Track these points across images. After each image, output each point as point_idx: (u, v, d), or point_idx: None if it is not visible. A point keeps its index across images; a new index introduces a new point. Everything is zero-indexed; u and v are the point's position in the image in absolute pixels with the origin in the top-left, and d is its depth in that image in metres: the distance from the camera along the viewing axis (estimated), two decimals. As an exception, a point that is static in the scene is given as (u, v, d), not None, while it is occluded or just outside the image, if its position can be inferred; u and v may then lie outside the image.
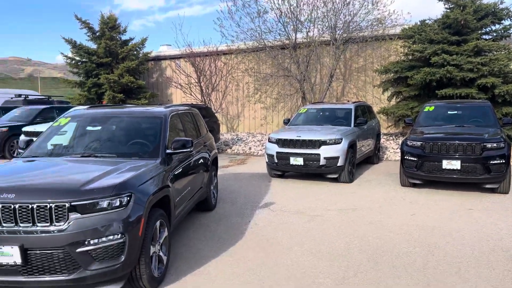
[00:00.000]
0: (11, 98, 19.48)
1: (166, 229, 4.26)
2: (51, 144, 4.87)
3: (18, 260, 3.28)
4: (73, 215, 3.36)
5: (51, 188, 3.50)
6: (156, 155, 4.63)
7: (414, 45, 13.26)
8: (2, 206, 3.34)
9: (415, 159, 7.84)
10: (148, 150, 4.78)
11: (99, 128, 5.13)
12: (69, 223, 3.34)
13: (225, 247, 5.10)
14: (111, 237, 3.42)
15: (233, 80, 18.68)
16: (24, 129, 12.40)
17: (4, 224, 3.34)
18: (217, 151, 7.37)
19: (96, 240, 3.36)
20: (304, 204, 7.15)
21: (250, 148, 14.70)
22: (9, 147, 13.26)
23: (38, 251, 3.30)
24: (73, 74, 20.62)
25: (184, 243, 5.24)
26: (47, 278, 3.33)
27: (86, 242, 3.33)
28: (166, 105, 5.80)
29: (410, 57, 13.79)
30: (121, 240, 3.46)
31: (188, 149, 4.86)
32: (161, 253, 4.15)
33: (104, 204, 3.45)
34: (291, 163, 8.78)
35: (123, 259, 3.48)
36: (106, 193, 3.49)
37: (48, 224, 3.33)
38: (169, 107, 5.62)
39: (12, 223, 3.34)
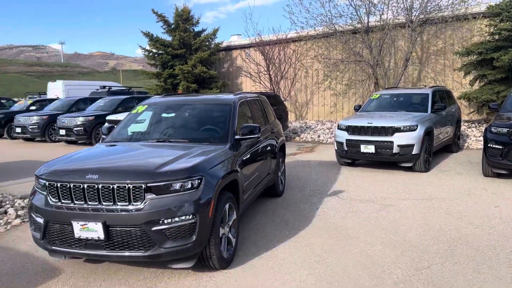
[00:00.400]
0: (97, 89, 21.09)
1: (234, 212, 4.35)
2: (130, 131, 5.18)
3: (102, 236, 3.54)
4: (149, 196, 3.55)
5: (130, 170, 3.73)
6: (225, 141, 4.73)
7: (502, 24, 12.17)
8: (88, 186, 3.62)
9: (501, 147, 7.23)
10: (217, 136, 4.90)
11: (173, 115, 5.36)
12: (145, 203, 3.54)
13: (292, 232, 5.11)
14: (183, 217, 3.57)
15: (302, 67, 18.51)
16: (108, 117, 13.36)
17: (89, 203, 3.62)
18: (284, 138, 7.37)
19: (169, 220, 3.53)
20: (375, 193, 6.93)
21: (319, 136, 14.52)
22: (95, 134, 14.34)
23: (118, 228, 3.54)
24: (150, 66, 21.73)
25: (252, 227, 5.33)
26: (127, 253, 3.57)
27: (161, 221, 3.51)
28: (236, 93, 5.90)
29: (497, 36, 12.66)
30: (193, 221, 3.60)
31: (256, 135, 4.91)
32: (230, 235, 4.25)
33: (177, 186, 3.61)
34: (361, 151, 8.53)
35: (194, 238, 3.62)
36: (178, 175, 3.64)
37: (127, 203, 3.55)
38: (238, 95, 5.71)
39: (96, 201, 3.62)
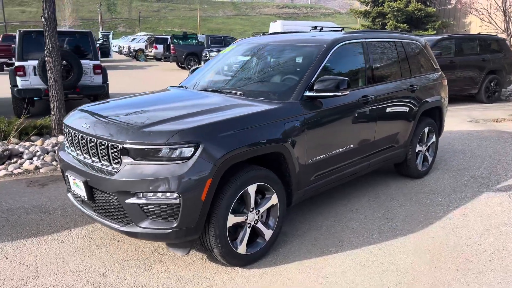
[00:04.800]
0: (309, 30, 20.75)
1: (274, 196, 3.19)
2: (203, 73, 4.39)
3: (85, 196, 3.03)
4: (126, 159, 2.78)
5: (118, 125, 3.00)
6: (287, 97, 3.45)
7: None
8: (81, 136, 3.11)
9: None
10: (282, 90, 3.64)
11: (246, 59, 4.29)
12: (120, 167, 2.80)
13: (375, 243, 3.56)
14: (163, 194, 2.70)
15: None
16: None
17: (84, 155, 3.12)
18: (443, 99, 5.26)
19: (148, 194, 2.71)
20: None
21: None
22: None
23: (99, 191, 2.95)
24: (360, 4, 19.87)
25: (325, 215, 3.99)
26: (107, 222, 2.98)
27: (137, 194, 2.73)
28: (347, 32, 4.28)
29: None
30: (176, 201, 2.68)
31: (339, 93, 3.41)
32: (261, 227, 3.16)
33: (160, 152, 2.71)
34: None
35: (175, 224, 2.73)
36: (162, 139, 2.71)
37: (108, 164, 2.90)
38: (345, 34, 4.12)
39: (85, 155, 3.09)
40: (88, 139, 3.02)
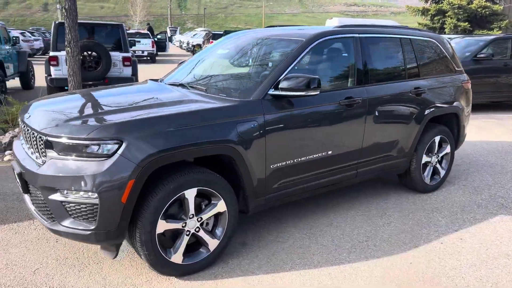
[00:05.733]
0: None
1: (221, 204, 2.90)
2: (184, 68, 4.17)
3: (20, 188, 2.94)
4: (50, 153, 2.63)
5: (49, 116, 2.85)
6: (247, 95, 3.14)
7: None
8: (24, 126, 3.02)
9: None
10: (245, 87, 3.32)
11: (224, 52, 3.99)
12: (45, 161, 2.66)
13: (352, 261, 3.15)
14: (82, 193, 2.52)
15: None
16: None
17: (25, 145, 3.03)
18: (460, 105, 4.61)
19: (69, 192, 2.55)
20: None
21: None
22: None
23: (31, 184, 2.84)
24: (419, 0, 18.65)
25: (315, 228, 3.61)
26: (39, 218, 2.85)
27: (59, 190, 2.58)
28: (341, 26, 3.83)
29: None
30: (94, 201, 2.50)
31: (306, 93, 3.03)
32: (204, 235, 2.89)
33: (82, 147, 2.53)
34: None
35: (94, 226, 2.54)
36: (82, 133, 2.53)
37: (38, 157, 2.77)
38: (335, 28, 3.70)
39: (27, 145, 2.99)
40: (26, 129, 2.92)
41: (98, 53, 8.40)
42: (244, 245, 3.33)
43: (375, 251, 3.28)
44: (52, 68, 8.55)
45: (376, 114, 3.76)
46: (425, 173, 4.43)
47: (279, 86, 3.09)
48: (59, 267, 2.96)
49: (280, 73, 3.19)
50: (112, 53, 8.66)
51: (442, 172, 4.58)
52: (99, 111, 2.83)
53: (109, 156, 2.50)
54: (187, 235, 2.83)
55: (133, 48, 21.58)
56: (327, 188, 3.68)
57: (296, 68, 3.31)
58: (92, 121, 2.64)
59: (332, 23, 24.87)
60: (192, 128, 2.72)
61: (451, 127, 4.64)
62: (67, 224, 2.61)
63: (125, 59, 8.88)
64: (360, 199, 4.30)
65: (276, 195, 3.30)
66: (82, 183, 2.49)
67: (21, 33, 17.40)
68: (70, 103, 3.25)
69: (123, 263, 3.01)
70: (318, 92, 3.13)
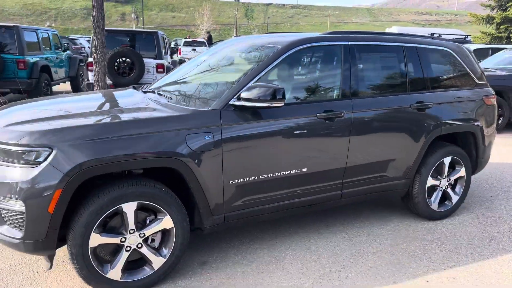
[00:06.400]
0: None
1: (167, 218, 2.72)
2: (169, 74, 4.04)
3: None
4: (-13, 158, 2.61)
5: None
6: (206, 104, 2.94)
7: None
8: None
9: None
10: (207, 96, 3.10)
11: (205, 59, 3.81)
12: None
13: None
14: (11, 200, 2.46)
15: None
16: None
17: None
18: (482, 122, 4.05)
19: (2, 198, 2.51)
20: None
21: None
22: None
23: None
24: (485, 7, 17.26)
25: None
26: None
27: (-5, 196, 2.54)
28: (330, 32, 3.50)
29: None
30: (20, 209, 2.43)
31: (268, 104, 2.78)
32: (147, 251, 2.72)
33: (13, 153, 2.47)
34: None
35: (21, 235, 2.47)
36: (14, 138, 2.47)
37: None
38: (320, 35, 3.38)
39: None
40: None
41: (132, 59, 8.63)
42: (203, 264, 3.11)
43: (344, 284, 2.92)
44: (89, 74, 8.91)
45: (365, 130, 3.38)
46: (432, 198, 3.93)
47: (241, 96, 2.86)
48: (7, 272, 2.94)
49: (245, 83, 2.96)
50: (146, 60, 8.85)
51: (455, 198, 4.05)
52: (43, 117, 2.77)
53: (38, 163, 2.42)
54: (127, 250, 2.68)
55: (187, 55, 22.18)
56: (307, 208, 3.37)
57: (267, 77, 3.06)
58: (27, 127, 2.58)
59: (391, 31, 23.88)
60: (131, 138, 2.57)
61: (467, 147, 4.10)
62: (3, 230, 2.56)
63: (158, 65, 9.05)
64: (354, 221, 3.91)
65: (239, 213, 3.05)
66: (12, 189, 2.43)
67: (71, 40, 18.49)
68: (28, 109, 3.23)
69: (69, 274, 2.92)
70: (283, 104, 2.86)
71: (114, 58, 8.56)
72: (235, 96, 2.90)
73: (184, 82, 3.57)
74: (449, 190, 4.01)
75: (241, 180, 2.95)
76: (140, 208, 2.68)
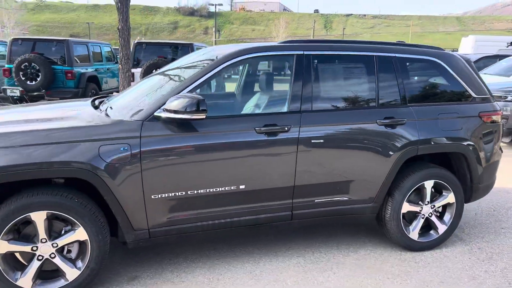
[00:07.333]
0: (507, 46, 17.36)
1: (86, 235, 2.68)
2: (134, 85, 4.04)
3: None
4: None
5: None
6: (129, 115, 2.87)
7: None
8: None
9: None
10: (134, 107, 3.00)
11: (165, 69, 3.75)
12: None
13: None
14: None
15: None
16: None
17: None
18: (476, 141, 3.50)
19: None
20: None
21: None
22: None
23: None
24: None
25: None
26: None
27: None
28: (286, 41, 3.24)
29: None
30: None
31: (188, 116, 2.66)
32: (57, 261, 2.71)
33: None
34: None
35: None
36: None
37: None
38: (278, 44, 3.16)
39: None
40: None
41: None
42: (132, 279, 3.03)
43: (265, 315, 2.65)
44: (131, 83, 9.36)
45: (316, 146, 3.09)
46: (411, 226, 3.48)
47: (164, 107, 2.76)
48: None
49: (172, 94, 2.85)
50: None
51: (442, 228, 3.53)
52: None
53: None
54: (39, 260, 2.68)
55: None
56: (254, 228, 3.14)
57: (199, 89, 2.93)
58: None
59: (468, 42, 22.26)
60: (34, 146, 2.57)
61: (460, 170, 3.57)
62: None
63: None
64: (322, 245, 3.58)
65: (168, 230, 2.93)
66: None
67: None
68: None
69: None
70: (204, 116, 2.71)
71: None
72: (160, 107, 2.80)
73: (135, 94, 3.53)
74: (433, 218, 3.52)
75: (166, 195, 2.83)
76: (55, 218, 2.68)
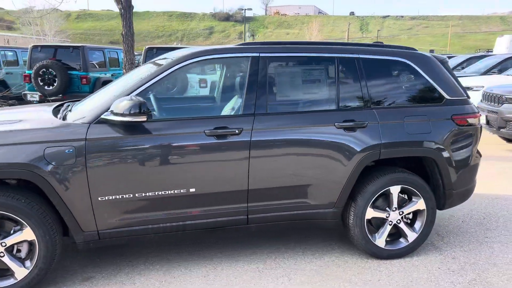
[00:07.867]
0: None
1: (33, 236, 2.75)
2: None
3: None
4: None
5: None
6: (79, 118, 2.92)
7: None
8: None
9: None
10: (87, 110, 3.04)
11: (135, 71, 3.79)
12: None
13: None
14: None
15: None
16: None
17: None
18: (448, 146, 3.31)
19: None
20: None
21: None
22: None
23: None
24: None
25: None
26: None
27: None
28: (242, 43, 3.19)
29: None
30: None
31: (129, 118, 2.68)
32: (6, 260, 2.78)
33: None
34: None
35: None
36: None
37: None
38: (234, 46, 3.13)
39: None
40: None
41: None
42: (86, 280, 3.07)
43: (202, 320, 2.62)
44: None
45: (270, 149, 3.03)
46: (378, 233, 3.34)
47: (110, 109, 2.80)
48: None
49: (119, 97, 2.88)
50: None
51: (412, 236, 3.37)
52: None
53: None
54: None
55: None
56: (210, 231, 3.12)
57: (148, 92, 2.96)
58: None
59: (503, 41, 21.34)
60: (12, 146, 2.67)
61: (434, 176, 3.40)
62: None
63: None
64: (288, 250, 3.50)
65: (118, 231, 2.96)
66: None
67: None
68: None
69: None
70: (145, 119, 2.73)
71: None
72: (108, 110, 2.83)
73: (94, 98, 3.57)
74: (402, 225, 3.36)
75: (113, 197, 2.86)
76: (7, 218, 2.76)
